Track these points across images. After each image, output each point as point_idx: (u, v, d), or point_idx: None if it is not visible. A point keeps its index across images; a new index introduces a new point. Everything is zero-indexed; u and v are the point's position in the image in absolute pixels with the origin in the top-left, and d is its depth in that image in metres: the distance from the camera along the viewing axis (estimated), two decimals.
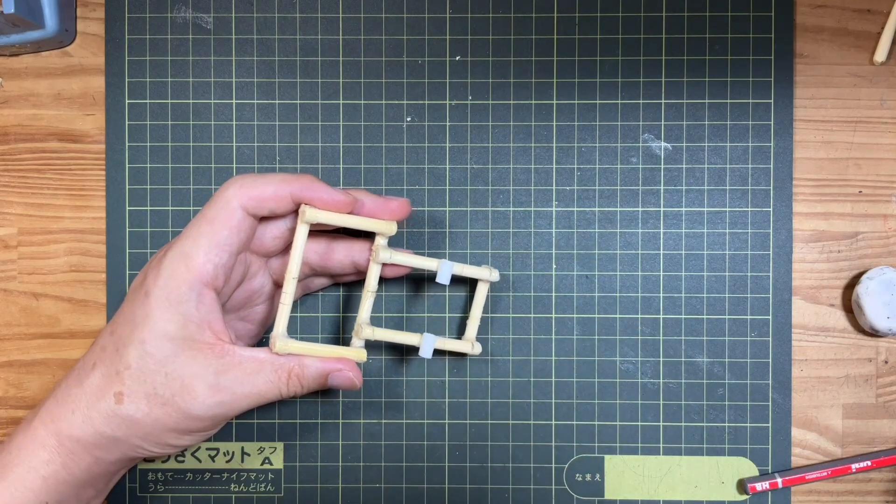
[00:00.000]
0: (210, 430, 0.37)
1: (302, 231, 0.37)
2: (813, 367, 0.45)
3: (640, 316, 0.45)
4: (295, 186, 0.36)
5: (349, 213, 0.37)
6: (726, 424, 0.45)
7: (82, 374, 0.36)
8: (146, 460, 0.45)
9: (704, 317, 0.45)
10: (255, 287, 0.40)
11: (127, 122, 0.45)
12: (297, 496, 0.45)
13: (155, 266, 0.35)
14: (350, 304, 0.45)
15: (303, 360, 0.37)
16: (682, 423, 0.45)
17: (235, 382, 0.35)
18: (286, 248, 0.40)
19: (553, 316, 0.45)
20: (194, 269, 0.34)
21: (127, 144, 0.45)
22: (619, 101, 0.45)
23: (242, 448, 0.45)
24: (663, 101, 0.45)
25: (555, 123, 0.45)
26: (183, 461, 0.45)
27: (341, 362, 0.38)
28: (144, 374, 0.34)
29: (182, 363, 0.34)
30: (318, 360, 0.37)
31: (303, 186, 0.36)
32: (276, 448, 0.45)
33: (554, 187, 0.45)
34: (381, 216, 0.38)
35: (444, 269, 0.40)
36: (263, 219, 0.37)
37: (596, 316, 0.45)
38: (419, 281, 0.45)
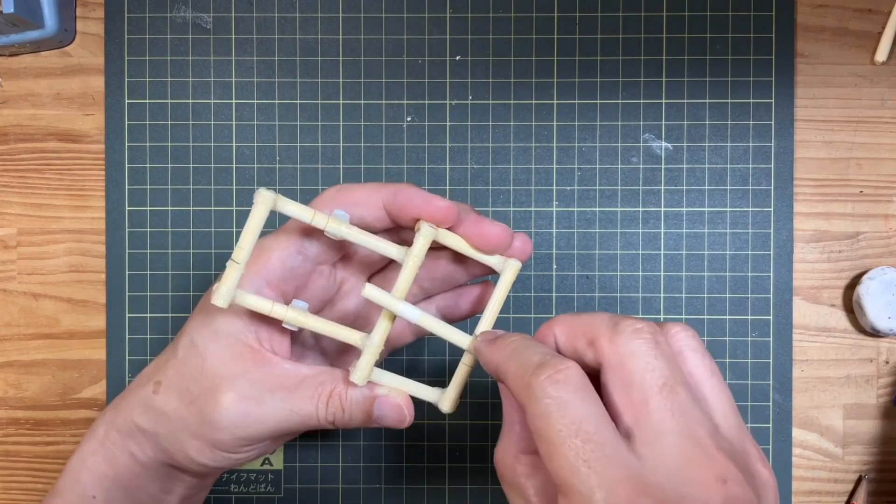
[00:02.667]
0: (234, 451, 0.32)
1: (418, 246, 0.31)
2: (814, 367, 0.45)
3: (640, 316, 0.45)
4: (385, 192, 0.31)
5: (449, 229, 0.32)
6: None
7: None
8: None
9: (705, 317, 0.45)
10: (351, 308, 0.35)
11: (126, 122, 0.45)
12: (297, 496, 0.45)
13: None
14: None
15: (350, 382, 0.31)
16: None
17: (268, 395, 0.31)
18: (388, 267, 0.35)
19: (553, 316, 0.45)
20: (261, 263, 0.31)
21: (126, 144, 0.45)
22: (620, 101, 0.45)
23: None
24: (664, 100, 0.45)
25: (555, 123, 0.45)
26: None
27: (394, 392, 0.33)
28: (186, 367, 0.32)
29: (220, 362, 0.31)
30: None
31: (395, 190, 0.31)
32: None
33: (554, 187, 0.45)
34: (496, 248, 0.32)
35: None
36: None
37: None
38: None
